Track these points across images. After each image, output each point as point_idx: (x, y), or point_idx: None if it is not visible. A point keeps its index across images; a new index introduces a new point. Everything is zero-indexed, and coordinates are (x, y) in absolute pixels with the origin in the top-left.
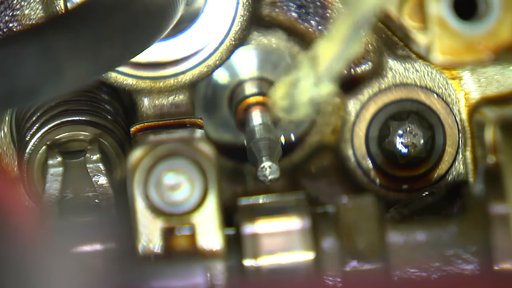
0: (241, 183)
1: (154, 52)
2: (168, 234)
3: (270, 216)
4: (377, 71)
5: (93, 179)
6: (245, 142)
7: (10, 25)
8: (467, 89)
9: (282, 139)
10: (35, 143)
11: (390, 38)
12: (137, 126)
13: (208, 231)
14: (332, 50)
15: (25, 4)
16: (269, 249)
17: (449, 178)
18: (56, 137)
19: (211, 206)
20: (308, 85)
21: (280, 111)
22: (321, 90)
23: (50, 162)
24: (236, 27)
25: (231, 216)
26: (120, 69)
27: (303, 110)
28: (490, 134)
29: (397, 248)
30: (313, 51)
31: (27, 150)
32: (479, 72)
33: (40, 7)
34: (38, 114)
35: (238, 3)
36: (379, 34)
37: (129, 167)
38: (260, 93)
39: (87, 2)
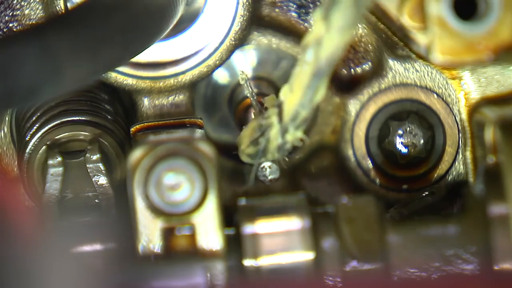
0: (241, 183)
1: (154, 52)
2: (168, 234)
3: (270, 216)
4: (377, 71)
5: (93, 179)
6: None
7: (10, 25)
8: (467, 89)
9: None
10: (35, 143)
11: (390, 38)
12: (137, 126)
13: (208, 231)
14: (295, 99)
15: (25, 4)
16: (269, 249)
17: (449, 178)
18: (56, 137)
19: (211, 206)
20: (275, 134)
21: (246, 157)
22: (288, 138)
23: (50, 162)
24: (236, 27)
25: (231, 216)
26: (120, 69)
27: (270, 155)
28: (490, 134)
29: (397, 248)
30: (279, 99)
31: (27, 150)
32: (479, 72)
33: (40, 7)
34: (38, 114)
35: (238, 3)
36: (379, 34)
37: (129, 167)
38: (260, 93)
39: (87, 2)
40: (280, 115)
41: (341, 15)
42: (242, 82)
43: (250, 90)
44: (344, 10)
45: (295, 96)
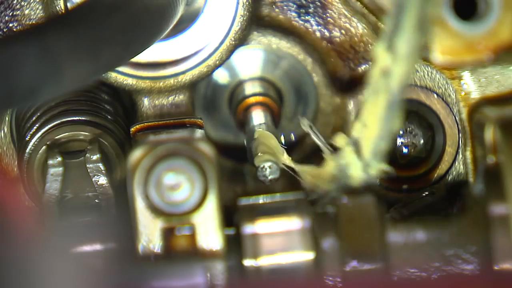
0: (241, 183)
1: (154, 52)
2: (168, 234)
3: (270, 216)
4: None
5: (93, 179)
6: (245, 142)
7: (10, 25)
8: (467, 89)
9: (282, 139)
10: (35, 143)
11: None
12: (137, 126)
13: (208, 231)
14: (372, 133)
15: (25, 4)
16: (269, 249)
17: (449, 178)
18: (56, 137)
19: (211, 206)
20: (357, 171)
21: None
22: (371, 172)
23: (50, 162)
24: (236, 27)
25: (231, 216)
26: (120, 69)
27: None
28: (490, 134)
29: (397, 248)
30: (352, 137)
31: (27, 150)
32: (479, 72)
33: (40, 7)
34: (38, 114)
35: (238, 3)
36: (379, 34)
37: (129, 167)
38: (260, 93)
39: (87, 2)
40: (358, 152)
41: (406, 43)
42: (305, 129)
43: (317, 135)
44: (408, 37)
45: (372, 130)
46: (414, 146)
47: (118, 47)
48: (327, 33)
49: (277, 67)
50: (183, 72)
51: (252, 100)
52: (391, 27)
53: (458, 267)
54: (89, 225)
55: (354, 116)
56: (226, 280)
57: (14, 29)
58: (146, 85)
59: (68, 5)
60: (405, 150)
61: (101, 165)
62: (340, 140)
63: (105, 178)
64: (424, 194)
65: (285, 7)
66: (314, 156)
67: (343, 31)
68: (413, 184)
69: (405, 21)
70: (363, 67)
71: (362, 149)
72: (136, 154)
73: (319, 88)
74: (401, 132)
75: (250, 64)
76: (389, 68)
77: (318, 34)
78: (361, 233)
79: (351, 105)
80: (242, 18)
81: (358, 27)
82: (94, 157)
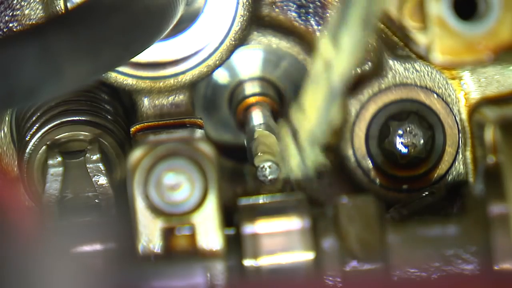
0: (241, 183)
1: (154, 52)
2: (168, 234)
3: (270, 216)
4: (377, 71)
5: (93, 179)
6: (245, 142)
7: (10, 25)
8: (467, 89)
9: None
10: (35, 143)
11: (390, 38)
12: (137, 126)
13: (208, 231)
14: (309, 123)
15: (25, 4)
16: (269, 249)
17: (449, 178)
18: (56, 137)
19: (211, 206)
20: (295, 160)
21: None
22: (308, 159)
23: (50, 162)
24: (236, 27)
25: (231, 216)
26: (120, 69)
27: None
28: (490, 134)
29: (397, 248)
30: (293, 124)
31: (27, 150)
32: (479, 72)
33: (40, 7)
34: (38, 114)
35: (238, 3)
36: (379, 34)
37: (129, 167)
38: (260, 93)
39: (87, 2)
40: (296, 141)
41: (349, 38)
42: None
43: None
44: (352, 32)
45: (310, 119)
46: (414, 146)
47: (118, 47)
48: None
49: (277, 67)
50: (183, 72)
51: (252, 100)
52: (337, 21)
53: (458, 267)
54: (89, 225)
55: (353, 116)
56: (226, 280)
57: (14, 29)
58: (146, 85)
59: (68, 5)
60: (405, 150)
61: (101, 165)
62: (282, 127)
63: (105, 178)
64: (424, 194)
65: (285, 7)
66: None
67: None
68: (413, 184)
69: (350, 17)
70: (363, 67)
71: (300, 138)
72: (136, 154)
73: None
74: (401, 132)
75: (250, 64)
76: (331, 60)
77: (318, 34)
78: (361, 233)
79: (351, 105)
80: (242, 18)
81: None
82: (94, 157)
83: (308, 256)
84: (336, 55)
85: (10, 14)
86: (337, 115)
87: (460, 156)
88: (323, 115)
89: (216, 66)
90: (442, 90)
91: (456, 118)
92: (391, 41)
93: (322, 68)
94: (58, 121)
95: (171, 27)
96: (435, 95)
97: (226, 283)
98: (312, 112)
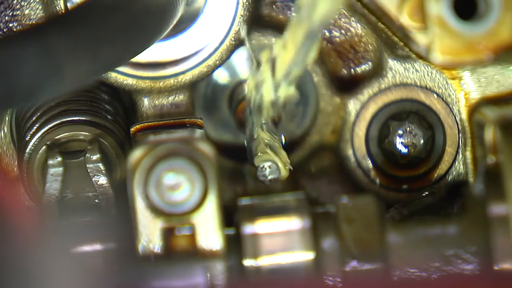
0: (241, 183)
1: (154, 52)
2: (168, 234)
3: (270, 216)
4: (377, 71)
5: (93, 179)
6: (245, 142)
7: (10, 25)
8: (467, 89)
9: (282, 139)
10: (35, 143)
11: (390, 38)
12: (137, 126)
13: (208, 231)
14: (288, 56)
15: (25, 4)
16: (269, 249)
17: (449, 178)
18: (56, 137)
19: (211, 206)
20: (268, 88)
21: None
22: (280, 93)
23: (50, 162)
24: (236, 27)
25: (231, 216)
26: (120, 69)
27: (265, 112)
28: (490, 134)
29: (397, 248)
30: (272, 54)
31: (27, 150)
32: (479, 72)
33: (40, 7)
34: (38, 114)
35: (238, 3)
36: (379, 34)
37: (129, 167)
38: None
39: (87, 2)
40: (273, 70)
41: None
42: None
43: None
44: None
45: (288, 54)
46: (414, 146)
47: (118, 47)
48: (327, 33)
49: None
50: (183, 72)
51: None
52: None
53: (458, 267)
54: (89, 225)
55: (353, 116)
56: (226, 280)
57: (14, 29)
58: (146, 85)
59: (68, 5)
60: (405, 150)
61: (101, 165)
62: (264, 55)
63: (105, 178)
64: (424, 194)
65: (285, 7)
66: (314, 156)
67: (343, 31)
68: (413, 184)
69: None
70: (363, 67)
71: (276, 68)
72: (136, 154)
73: (319, 88)
74: (401, 132)
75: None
76: (315, 1)
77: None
78: (361, 233)
79: (351, 105)
80: (242, 18)
81: (358, 27)
82: (94, 157)
83: (308, 256)
84: None
85: (10, 14)
86: (312, 56)
87: (460, 156)
88: (300, 52)
89: (216, 66)
90: (442, 90)
91: (456, 118)
92: (391, 41)
93: (307, 5)
94: (58, 121)
95: (171, 27)
96: (435, 95)
97: (226, 283)
98: (292, 48)
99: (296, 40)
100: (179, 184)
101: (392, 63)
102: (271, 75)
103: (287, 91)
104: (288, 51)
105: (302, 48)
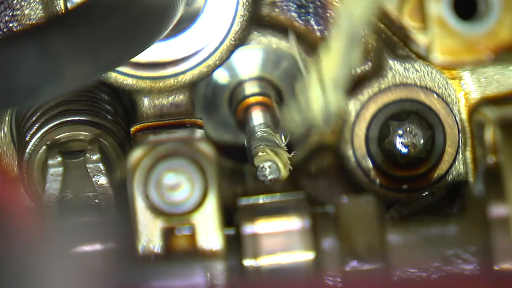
0: (241, 183)
1: (154, 52)
2: (168, 234)
3: (270, 216)
4: (377, 71)
5: (93, 179)
6: (245, 142)
7: (10, 25)
8: (467, 89)
9: (282, 139)
10: (35, 143)
11: (390, 38)
12: (137, 126)
13: (208, 231)
14: (333, 62)
15: (25, 4)
16: (269, 249)
17: (449, 178)
18: (56, 137)
19: (211, 206)
20: (318, 101)
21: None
22: (330, 105)
23: (50, 162)
24: (236, 27)
25: (231, 216)
26: (120, 69)
27: (315, 121)
28: (490, 134)
29: (397, 248)
30: (320, 67)
31: (27, 150)
32: (479, 72)
33: (40, 7)
34: (38, 114)
35: (238, 3)
36: (379, 34)
37: (129, 167)
38: (260, 93)
39: (87, 2)
40: (321, 80)
41: None
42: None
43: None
44: None
45: (333, 59)
46: (414, 146)
47: (118, 47)
48: (327, 33)
49: (277, 67)
50: (183, 72)
51: (252, 100)
52: None
53: (458, 267)
54: (89, 225)
55: (353, 116)
56: (226, 280)
57: (14, 29)
58: (146, 85)
59: (68, 5)
60: (405, 150)
61: (101, 165)
62: (309, 69)
63: (105, 178)
64: (424, 194)
65: (285, 7)
66: (314, 156)
67: None
68: (413, 184)
69: None
70: (363, 67)
71: (324, 77)
72: (136, 154)
73: None
74: (401, 132)
75: (250, 64)
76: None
77: (318, 34)
78: (361, 233)
79: (351, 105)
80: (242, 18)
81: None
82: (94, 157)
83: (308, 256)
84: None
85: (10, 14)
86: (356, 60)
87: (460, 156)
88: (344, 58)
89: (216, 66)
90: (442, 90)
91: (456, 118)
92: (391, 41)
93: (344, 11)
94: (58, 121)
95: (171, 27)
96: (435, 95)
97: (226, 283)
98: (335, 55)
99: (339, 47)
100: (179, 184)
101: (392, 63)
102: (320, 89)
103: (338, 103)
104: (333, 57)
105: (345, 53)
